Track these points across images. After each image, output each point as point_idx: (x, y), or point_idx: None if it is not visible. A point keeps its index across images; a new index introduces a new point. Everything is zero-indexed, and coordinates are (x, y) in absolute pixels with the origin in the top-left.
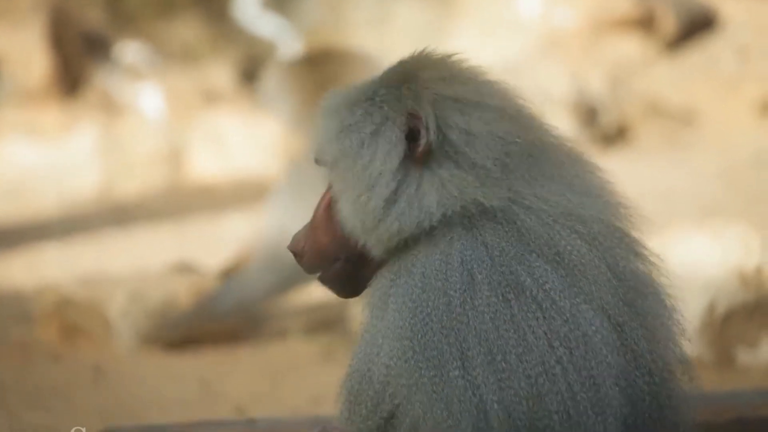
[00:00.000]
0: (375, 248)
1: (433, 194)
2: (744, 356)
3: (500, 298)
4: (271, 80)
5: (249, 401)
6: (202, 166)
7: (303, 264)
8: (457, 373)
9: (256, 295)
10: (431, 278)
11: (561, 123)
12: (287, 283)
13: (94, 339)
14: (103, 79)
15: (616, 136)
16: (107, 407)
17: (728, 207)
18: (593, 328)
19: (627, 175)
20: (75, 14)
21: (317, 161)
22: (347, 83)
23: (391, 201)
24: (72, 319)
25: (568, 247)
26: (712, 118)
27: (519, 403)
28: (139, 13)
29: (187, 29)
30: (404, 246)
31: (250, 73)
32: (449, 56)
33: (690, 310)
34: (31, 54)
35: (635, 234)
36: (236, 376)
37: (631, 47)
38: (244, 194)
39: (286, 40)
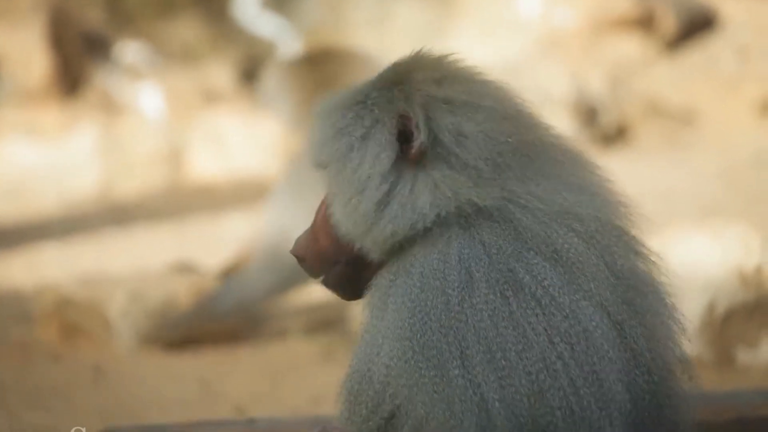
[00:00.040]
0: (371, 251)
1: (426, 195)
2: (744, 356)
3: (498, 295)
4: (271, 80)
5: (249, 401)
6: (202, 166)
7: (306, 268)
8: (457, 372)
9: (256, 295)
10: (429, 278)
11: (561, 123)
12: (287, 283)
13: (94, 339)
14: (103, 79)
15: (616, 136)
16: (107, 407)
17: (728, 207)
18: (593, 323)
19: (627, 175)
20: (75, 14)
21: (314, 165)
22: (347, 83)
23: (382, 204)
24: (72, 319)
25: (566, 245)
26: (712, 118)
27: (520, 400)
28: (139, 13)
29: (187, 29)
30: (402, 247)
31: (250, 73)
32: (444, 57)
33: (690, 310)
34: (31, 54)
35: (634, 232)
36: (236, 376)
37: (631, 47)
38: (244, 194)
39: (286, 40)
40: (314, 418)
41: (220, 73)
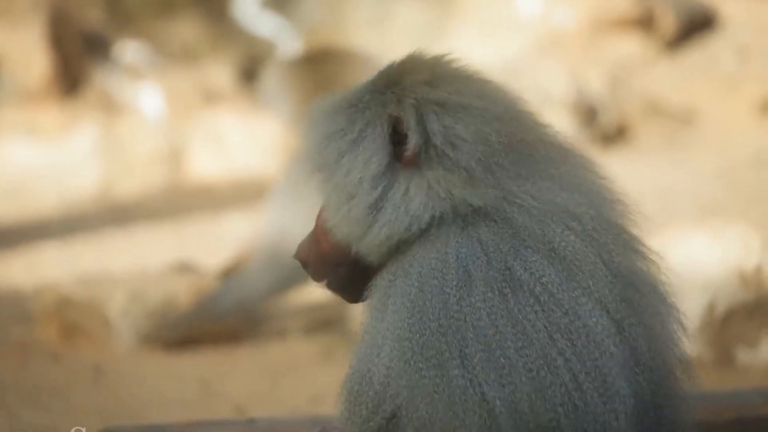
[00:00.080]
0: (369, 255)
1: (420, 198)
2: (744, 356)
3: (497, 293)
4: (271, 80)
5: (249, 401)
6: (202, 166)
7: (310, 272)
8: (457, 372)
9: (256, 295)
10: (428, 277)
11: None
12: (287, 283)
13: (94, 339)
14: (103, 79)
15: (615, 135)
16: (107, 407)
17: (728, 207)
18: (593, 319)
19: (627, 175)
20: (75, 14)
21: (308, 170)
22: (347, 83)
23: (376, 208)
24: (72, 319)
25: (563, 243)
26: (712, 118)
27: (522, 398)
28: (138, 13)
29: (187, 29)
30: (400, 248)
31: (250, 72)
32: (437, 58)
33: (690, 310)
34: (30, 54)
35: (633, 231)
36: (236, 376)
37: (630, 47)
38: (244, 194)
39: (286, 40)
40: (314, 418)
41: (220, 73)
